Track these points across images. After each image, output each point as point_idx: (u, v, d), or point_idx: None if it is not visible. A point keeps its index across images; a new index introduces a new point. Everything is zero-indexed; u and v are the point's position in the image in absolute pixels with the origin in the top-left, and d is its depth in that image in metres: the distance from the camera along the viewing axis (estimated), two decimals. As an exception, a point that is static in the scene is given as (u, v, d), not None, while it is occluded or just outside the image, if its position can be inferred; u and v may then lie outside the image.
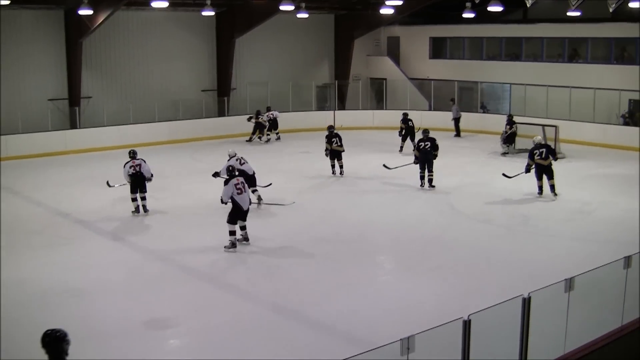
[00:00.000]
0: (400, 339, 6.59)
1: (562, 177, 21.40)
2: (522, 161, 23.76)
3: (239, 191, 14.75)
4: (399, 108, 33.15)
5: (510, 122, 25.45)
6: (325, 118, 32.24)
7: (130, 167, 17.51)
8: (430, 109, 33.40)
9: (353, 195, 19.82)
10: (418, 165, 20.39)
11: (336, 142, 21.72)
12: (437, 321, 7.20)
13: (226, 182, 14.86)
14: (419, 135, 21.54)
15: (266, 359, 9.85)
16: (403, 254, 14.89)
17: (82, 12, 25.06)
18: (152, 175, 17.82)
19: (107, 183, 19.35)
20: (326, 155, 22.06)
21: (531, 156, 19.36)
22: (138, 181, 17.50)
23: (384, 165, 22.24)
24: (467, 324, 7.12)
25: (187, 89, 31.87)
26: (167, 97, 30.77)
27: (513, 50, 33.37)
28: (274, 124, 29.76)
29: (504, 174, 20.86)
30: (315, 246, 15.09)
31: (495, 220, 16.98)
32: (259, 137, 29.64)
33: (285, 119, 31.57)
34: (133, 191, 17.61)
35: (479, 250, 14.77)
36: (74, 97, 28.70)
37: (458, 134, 30.73)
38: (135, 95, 30.40)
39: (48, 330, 6.47)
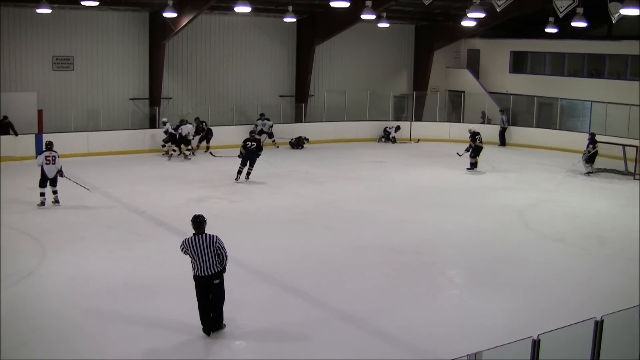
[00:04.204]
0: (468, 355, 6.55)
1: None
2: (601, 180, 23.63)
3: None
4: (477, 122, 32.96)
5: (593, 142, 24.88)
6: (404, 128, 32.38)
7: (46, 158, 18.13)
8: (508, 124, 32.94)
9: (426, 207, 19.69)
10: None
11: (251, 146, 22.26)
12: (505, 339, 7.13)
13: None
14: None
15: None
16: (474, 269, 14.73)
17: (166, 14, 25.67)
18: (62, 169, 18.36)
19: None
20: (239, 157, 22.55)
21: (474, 140, 25.20)
22: (52, 175, 18.14)
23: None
24: (536, 344, 7.02)
25: (265, 93, 32.15)
26: (246, 100, 31.13)
27: (595, 67, 32.74)
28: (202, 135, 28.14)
29: (457, 153, 26.06)
30: (385, 256, 15.06)
31: (569, 240, 16.66)
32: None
33: (361, 128, 31.82)
34: (42, 185, 18.19)
35: (551, 269, 14.50)
36: (154, 97, 29.28)
37: (503, 144, 31.91)
38: (214, 98, 30.83)
39: (196, 214, 10.67)
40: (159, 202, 19.22)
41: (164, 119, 27.73)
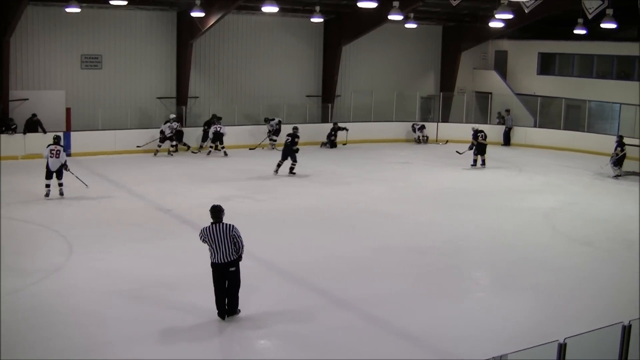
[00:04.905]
0: (493, 357, 6.51)
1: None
2: (629, 184, 23.42)
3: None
4: (504, 123, 32.81)
5: (621, 144, 24.65)
6: (430, 129, 32.30)
7: (50, 152, 19.03)
8: (535, 126, 32.77)
9: (451, 208, 19.59)
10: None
11: (287, 140, 23.59)
12: (531, 342, 7.08)
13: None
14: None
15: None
16: (499, 272, 14.62)
17: (194, 14, 25.75)
18: (66, 163, 19.22)
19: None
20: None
21: (475, 137, 25.76)
22: (55, 168, 18.97)
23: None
24: (562, 348, 6.95)
25: (291, 93, 32.17)
26: (272, 100, 31.15)
27: (625, 69, 32.42)
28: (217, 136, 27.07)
29: (457, 151, 26.78)
30: (410, 257, 15.00)
31: (596, 243, 16.50)
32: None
33: (387, 129, 31.75)
34: (47, 177, 19.07)
35: (577, 272, 14.39)
36: (181, 96, 29.40)
37: (508, 144, 32.23)
38: (240, 97, 30.88)
39: (215, 204, 11.18)
40: (184, 201, 19.30)
41: (173, 116, 27.59)
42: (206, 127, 27.65)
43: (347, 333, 10.95)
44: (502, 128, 32.59)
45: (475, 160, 25.98)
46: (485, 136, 26.03)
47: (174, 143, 26.96)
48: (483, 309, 12.34)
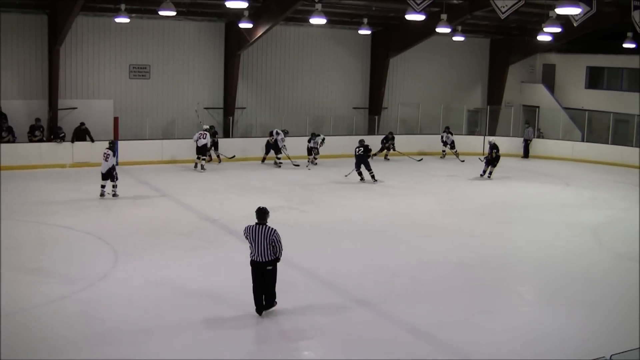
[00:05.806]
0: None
1: None
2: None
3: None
4: (552, 137, 32.55)
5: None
6: (475, 142, 32.10)
7: (103, 155, 20.16)
8: (582, 140, 32.41)
9: (498, 222, 19.45)
10: None
11: (359, 151, 24.33)
12: (576, 358, 6.97)
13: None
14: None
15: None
16: (546, 287, 14.46)
17: (242, 25, 25.86)
18: (114, 167, 20.23)
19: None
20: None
21: (497, 150, 26.28)
22: (104, 170, 20.04)
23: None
24: (609, 364, 6.86)
25: (338, 105, 32.26)
26: (319, 112, 31.25)
27: (676, 84, 31.90)
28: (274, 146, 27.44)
29: (479, 158, 27.62)
30: (456, 271, 14.90)
31: (646, 260, 16.24)
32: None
33: (434, 142, 31.59)
34: (102, 179, 20.20)
35: (625, 289, 14.12)
36: (229, 106, 29.62)
37: (527, 156, 32.41)
38: (287, 108, 31.05)
39: (261, 206, 11.98)
40: (230, 211, 19.38)
41: (206, 126, 27.07)
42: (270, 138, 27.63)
43: (389, 344, 10.90)
44: (539, 140, 32.64)
45: (485, 171, 26.43)
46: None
47: (199, 156, 26.11)
48: (528, 324, 12.19)
